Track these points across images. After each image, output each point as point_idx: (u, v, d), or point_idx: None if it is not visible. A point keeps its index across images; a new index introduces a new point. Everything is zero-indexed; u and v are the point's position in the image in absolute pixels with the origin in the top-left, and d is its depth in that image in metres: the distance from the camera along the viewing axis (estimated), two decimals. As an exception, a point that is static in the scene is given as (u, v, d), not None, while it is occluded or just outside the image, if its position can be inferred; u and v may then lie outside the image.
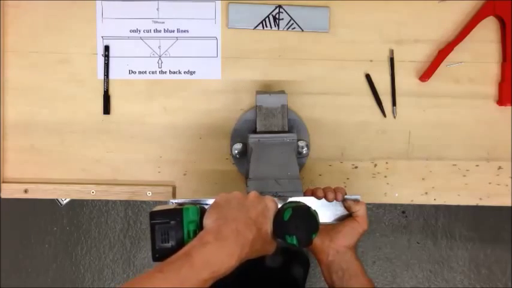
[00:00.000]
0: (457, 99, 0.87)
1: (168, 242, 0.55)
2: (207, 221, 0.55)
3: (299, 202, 0.62)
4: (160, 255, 0.55)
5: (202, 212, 0.58)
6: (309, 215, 0.58)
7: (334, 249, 0.67)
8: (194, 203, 0.61)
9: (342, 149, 0.87)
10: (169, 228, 0.55)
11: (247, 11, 0.86)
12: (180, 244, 0.54)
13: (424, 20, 0.87)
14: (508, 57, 0.85)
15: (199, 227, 0.56)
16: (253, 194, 0.59)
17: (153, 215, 0.56)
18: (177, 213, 0.56)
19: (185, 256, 0.51)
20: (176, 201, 0.68)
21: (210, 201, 0.61)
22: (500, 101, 0.86)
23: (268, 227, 0.57)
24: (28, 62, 0.87)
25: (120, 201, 1.57)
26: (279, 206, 0.61)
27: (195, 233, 0.56)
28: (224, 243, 0.52)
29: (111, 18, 0.87)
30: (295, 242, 0.57)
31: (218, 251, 0.51)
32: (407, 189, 0.87)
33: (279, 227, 0.58)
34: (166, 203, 0.69)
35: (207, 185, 0.87)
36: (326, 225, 0.69)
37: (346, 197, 0.69)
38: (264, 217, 0.57)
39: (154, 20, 0.87)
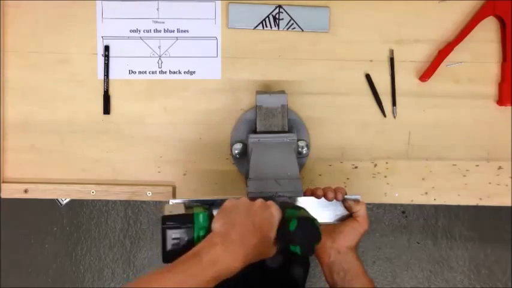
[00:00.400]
0: (457, 99, 0.87)
1: (179, 246, 0.57)
2: (215, 225, 0.58)
3: (301, 209, 0.63)
4: (171, 258, 0.57)
5: (210, 216, 0.60)
6: (313, 226, 0.59)
7: (336, 250, 0.67)
8: (200, 204, 0.62)
9: (342, 149, 0.87)
10: (180, 233, 0.57)
11: (247, 11, 0.86)
12: (190, 248, 0.56)
13: (424, 20, 0.87)
14: (508, 57, 0.85)
15: (208, 231, 0.58)
16: (259, 201, 0.61)
17: (165, 219, 0.58)
18: (188, 218, 0.58)
19: (194, 255, 0.54)
20: (176, 201, 0.68)
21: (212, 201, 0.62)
22: (500, 101, 0.86)
23: (272, 233, 0.59)
24: (28, 62, 0.87)
25: (120, 201, 1.57)
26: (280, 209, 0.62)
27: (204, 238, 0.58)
28: (230, 246, 0.54)
29: (111, 18, 0.87)
30: (298, 251, 0.58)
31: (225, 252, 0.54)
32: (407, 189, 0.87)
33: (284, 236, 0.59)
34: (166, 203, 0.69)
35: (207, 185, 0.87)
36: (327, 225, 0.69)
37: (346, 197, 0.69)
38: (268, 224, 0.59)
39: (154, 20, 0.87)
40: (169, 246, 0.57)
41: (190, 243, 0.57)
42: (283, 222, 0.60)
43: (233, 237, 0.55)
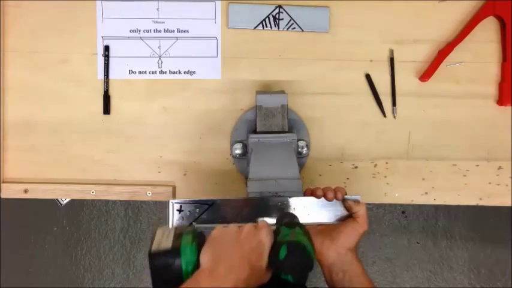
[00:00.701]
0: (457, 99, 0.87)
1: (168, 282, 0.56)
2: (203, 258, 0.56)
3: (295, 228, 0.60)
4: None
5: (200, 243, 0.58)
6: (304, 253, 0.57)
7: (335, 251, 0.67)
8: (191, 230, 0.61)
9: (342, 149, 0.87)
10: (169, 269, 0.56)
11: (247, 11, 0.86)
12: (180, 282, 0.55)
13: (424, 20, 0.87)
14: (508, 57, 0.85)
15: (197, 264, 0.57)
16: (247, 227, 0.59)
17: (152, 256, 0.57)
18: (175, 253, 0.57)
19: None
20: (176, 201, 0.68)
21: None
22: (500, 101, 0.86)
23: (263, 262, 0.57)
24: (28, 62, 0.87)
25: (120, 201, 1.57)
26: (276, 214, 0.61)
27: (193, 272, 0.56)
28: (217, 283, 0.53)
29: (111, 18, 0.87)
30: (290, 279, 0.56)
31: None
32: (407, 189, 0.87)
33: (275, 265, 0.57)
34: (166, 203, 0.69)
35: (207, 185, 0.87)
36: (327, 225, 0.69)
37: (346, 197, 0.69)
38: (258, 253, 0.57)
39: (154, 20, 0.87)
40: (158, 284, 0.56)
41: (180, 278, 0.56)
42: (274, 249, 0.57)
43: (220, 273, 0.54)
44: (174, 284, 0.55)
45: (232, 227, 0.59)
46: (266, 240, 0.58)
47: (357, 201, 0.68)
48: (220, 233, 0.59)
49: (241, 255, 0.56)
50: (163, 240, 0.58)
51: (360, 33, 0.87)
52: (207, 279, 0.53)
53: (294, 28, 0.86)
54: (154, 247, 0.58)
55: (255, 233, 0.58)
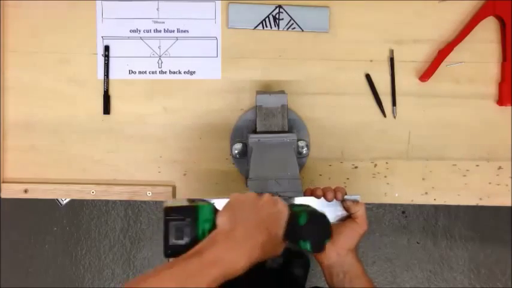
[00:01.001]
0: (457, 99, 0.87)
1: (182, 239, 0.54)
2: (220, 220, 0.56)
3: (309, 206, 0.61)
4: (173, 251, 0.54)
5: (215, 210, 0.57)
6: (324, 221, 0.58)
7: (335, 252, 0.67)
8: (204, 200, 0.60)
9: (342, 149, 0.87)
10: (184, 226, 0.54)
11: (247, 11, 0.86)
12: (194, 242, 0.53)
13: (424, 20, 0.87)
14: (508, 57, 0.85)
15: (214, 226, 0.56)
16: (267, 196, 0.59)
17: (168, 210, 0.55)
18: (192, 210, 0.55)
19: (195, 254, 0.52)
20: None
21: (215, 200, 0.61)
22: (500, 101, 0.86)
23: (280, 230, 0.57)
24: (28, 62, 0.87)
25: (120, 201, 1.57)
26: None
27: (209, 232, 0.55)
28: (234, 244, 0.53)
29: (111, 18, 0.87)
30: (308, 247, 0.56)
31: (228, 251, 0.52)
32: (407, 189, 0.87)
33: (294, 231, 0.57)
34: (166, 202, 0.69)
35: (207, 185, 0.87)
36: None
37: (345, 197, 0.68)
38: (276, 220, 0.57)
39: (154, 20, 0.87)
40: (171, 240, 0.54)
41: (194, 237, 0.54)
42: (292, 217, 0.58)
43: (237, 235, 0.53)
44: (188, 243, 0.53)
45: (251, 194, 0.59)
46: (284, 209, 0.58)
47: (355, 202, 0.68)
48: (238, 199, 0.58)
49: (260, 220, 0.56)
50: (178, 203, 0.56)
51: (360, 33, 0.87)
52: (224, 240, 0.53)
53: (294, 28, 0.86)
54: (169, 204, 0.55)
55: (274, 202, 0.58)
